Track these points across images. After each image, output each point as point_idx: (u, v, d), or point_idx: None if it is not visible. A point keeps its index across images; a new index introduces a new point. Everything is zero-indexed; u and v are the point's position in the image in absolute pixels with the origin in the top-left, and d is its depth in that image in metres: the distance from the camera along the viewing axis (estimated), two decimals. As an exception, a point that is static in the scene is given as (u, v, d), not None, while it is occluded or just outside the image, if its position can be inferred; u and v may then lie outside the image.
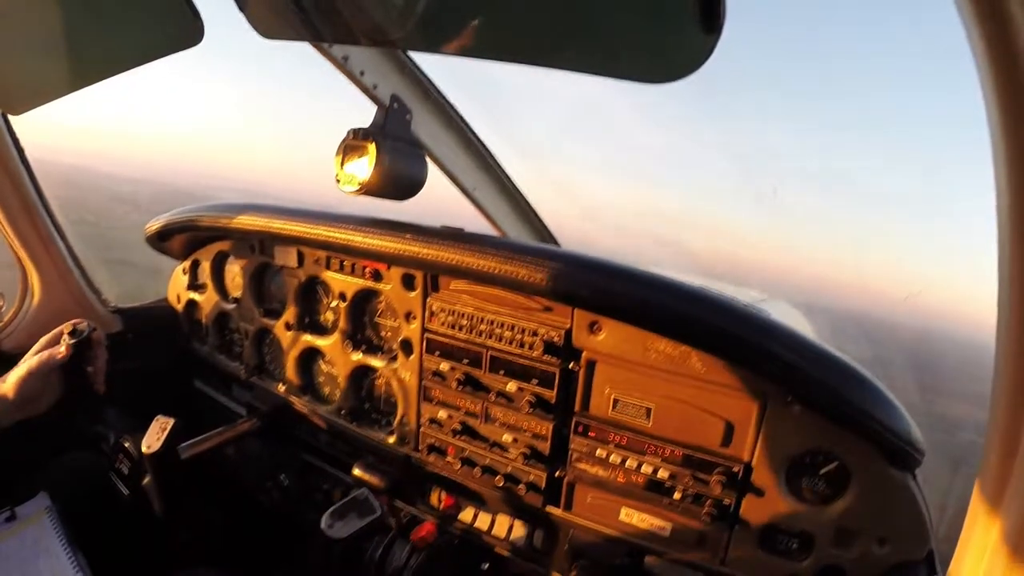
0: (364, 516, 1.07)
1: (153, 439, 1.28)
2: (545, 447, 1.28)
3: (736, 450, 1.10)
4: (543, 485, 1.31)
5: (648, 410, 1.17)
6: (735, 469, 1.08)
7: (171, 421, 1.30)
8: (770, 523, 1.09)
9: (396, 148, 1.32)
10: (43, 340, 1.44)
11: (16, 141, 1.61)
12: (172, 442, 1.29)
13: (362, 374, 1.58)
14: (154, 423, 1.31)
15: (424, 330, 1.38)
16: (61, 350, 1.43)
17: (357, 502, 1.09)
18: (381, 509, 1.09)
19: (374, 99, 1.54)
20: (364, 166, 1.29)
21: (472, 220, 2.32)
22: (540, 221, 2.59)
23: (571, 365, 1.22)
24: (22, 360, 1.41)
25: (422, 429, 1.45)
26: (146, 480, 1.34)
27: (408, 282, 1.39)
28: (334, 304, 1.59)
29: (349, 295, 1.52)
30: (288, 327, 1.67)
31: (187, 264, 1.92)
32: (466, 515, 1.47)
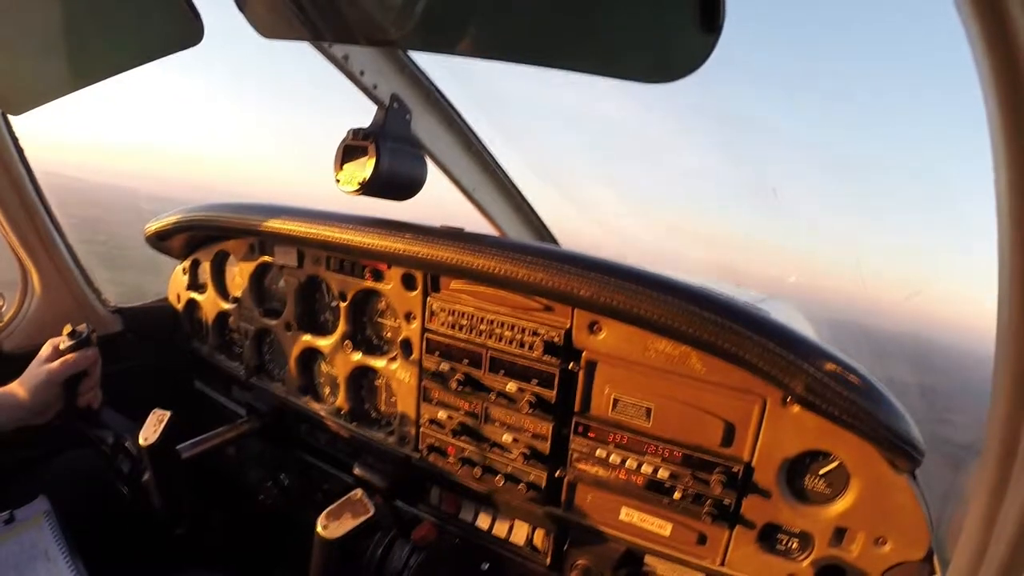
0: (358, 516, 1.07)
1: (150, 431, 1.28)
2: (545, 447, 1.28)
3: (736, 450, 1.10)
4: (543, 485, 1.31)
5: (648, 410, 1.17)
6: (735, 469, 1.08)
7: (168, 414, 1.31)
8: (770, 523, 1.09)
9: (396, 148, 1.32)
10: (46, 351, 1.43)
11: (16, 141, 1.61)
12: (169, 434, 1.29)
13: (362, 374, 1.58)
14: (151, 416, 1.31)
15: (424, 330, 1.38)
16: (89, 353, 1.42)
17: (351, 502, 1.09)
18: (375, 509, 1.09)
19: (374, 99, 1.54)
20: (364, 166, 1.29)
21: (472, 220, 2.33)
22: (540, 220, 2.60)
23: (571, 365, 1.22)
24: (36, 368, 1.40)
25: (422, 429, 1.45)
26: (145, 477, 1.34)
27: (408, 282, 1.39)
28: (334, 304, 1.59)
29: (349, 295, 1.52)
30: (288, 327, 1.67)
31: (187, 264, 1.92)
32: (466, 515, 1.47)
